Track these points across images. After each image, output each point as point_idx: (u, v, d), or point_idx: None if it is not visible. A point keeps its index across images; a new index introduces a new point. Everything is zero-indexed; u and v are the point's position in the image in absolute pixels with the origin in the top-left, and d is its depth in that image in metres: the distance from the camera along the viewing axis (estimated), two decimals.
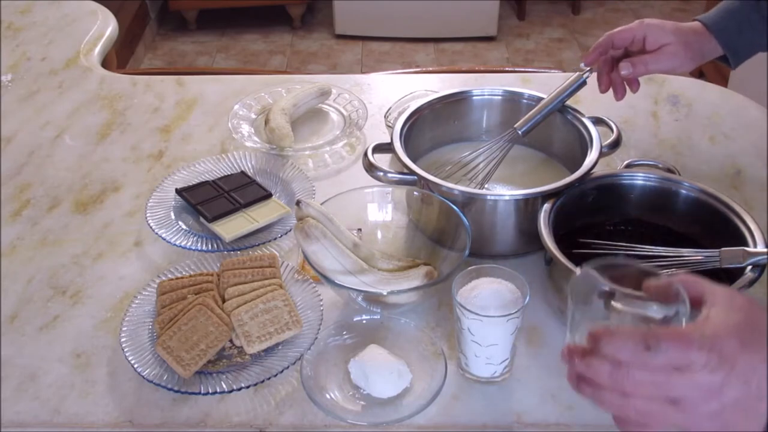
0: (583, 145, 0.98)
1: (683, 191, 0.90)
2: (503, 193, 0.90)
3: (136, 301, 0.87)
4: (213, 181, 1.05)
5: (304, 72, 3.16)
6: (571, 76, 1.03)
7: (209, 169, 1.10)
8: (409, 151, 0.98)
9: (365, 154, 0.97)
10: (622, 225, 0.93)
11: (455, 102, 1.09)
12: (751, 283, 0.76)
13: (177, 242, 0.96)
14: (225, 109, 1.25)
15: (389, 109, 1.19)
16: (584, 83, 1.03)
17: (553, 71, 1.46)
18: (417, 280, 0.87)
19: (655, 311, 0.60)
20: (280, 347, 0.82)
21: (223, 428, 0.76)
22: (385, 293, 0.83)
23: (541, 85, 1.28)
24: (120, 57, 2.87)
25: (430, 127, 1.07)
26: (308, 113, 1.24)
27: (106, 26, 1.56)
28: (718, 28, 0.99)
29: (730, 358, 0.53)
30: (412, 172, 0.94)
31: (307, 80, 1.33)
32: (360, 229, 0.95)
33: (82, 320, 0.89)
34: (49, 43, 1.50)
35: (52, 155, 1.18)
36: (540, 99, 1.04)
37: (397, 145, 0.98)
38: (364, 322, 0.84)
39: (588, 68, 1.04)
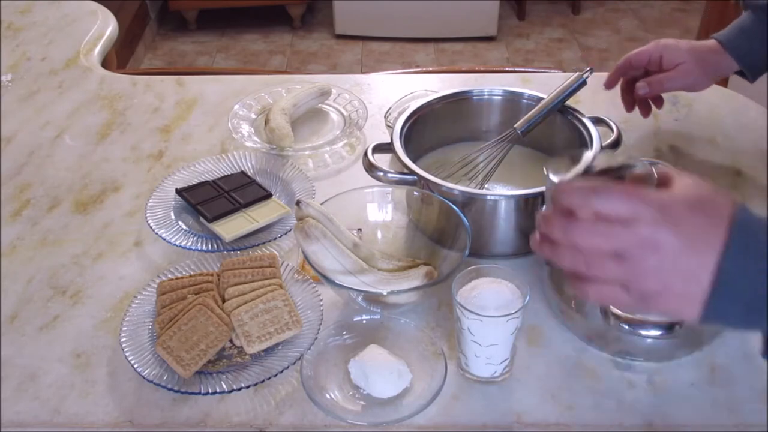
0: (583, 145, 0.98)
1: None
2: (503, 193, 0.90)
3: (136, 301, 0.87)
4: (213, 181, 1.05)
5: (304, 72, 3.17)
6: (571, 76, 1.04)
7: (209, 169, 1.10)
8: (409, 151, 0.98)
9: (365, 154, 0.97)
10: None
11: (455, 102, 1.09)
12: None
13: (177, 242, 0.96)
14: (225, 109, 1.25)
15: (389, 109, 1.19)
16: (584, 83, 1.03)
17: (553, 71, 1.46)
18: (417, 280, 0.87)
19: None
20: (280, 347, 0.82)
21: (223, 428, 0.76)
22: (385, 293, 0.83)
23: (541, 85, 1.28)
24: (120, 57, 2.87)
25: (430, 127, 1.07)
26: (308, 113, 1.24)
27: (106, 26, 1.56)
28: (733, 45, 1.02)
29: (677, 218, 0.54)
30: (412, 172, 0.94)
31: (307, 80, 1.33)
32: (360, 229, 0.95)
33: (82, 320, 0.89)
34: (49, 43, 1.50)
35: (52, 155, 1.18)
36: (540, 99, 1.04)
37: (397, 145, 0.98)
38: (364, 322, 0.84)
39: (588, 68, 1.04)
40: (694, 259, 0.53)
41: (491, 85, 1.11)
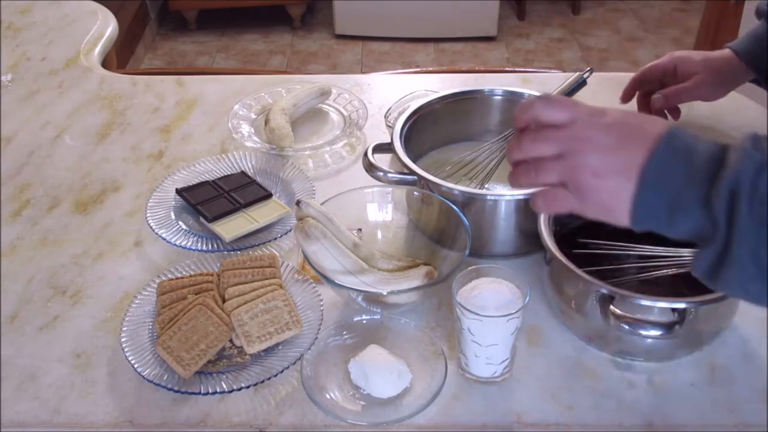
0: None
1: None
2: (503, 193, 0.90)
3: (136, 301, 0.87)
4: (213, 181, 1.05)
5: (304, 72, 3.17)
6: (571, 76, 1.04)
7: (209, 169, 1.10)
8: (409, 151, 0.98)
9: (365, 154, 0.97)
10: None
11: (455, 102, 1.09)
12: None
13: (177, 242, 0.96)
14: (225, 109, 1.25)
15: (389, 109, 1.19)
16: (584, 83, 1.03)
17: (553, 71, 1.46)
18: (417, 280, 0.87)
19: None
20: (280, 347, 0.82)
21: (223, 428, 0.76)
22: (385, 293, 0.83)
23: (541, 85, 1.29)
24: (120, 57, 2.87)
25: (430, 127, 1.07)
26: (308, 113, 1.24)
27: (106, 26, 1.56)
28: (747, 54, 1.03)
29: (611, 119, 0.61)
30: (412, 172, 0.94)
31: (307, 80, 1.33)
32: (360, 229, 0.95)
33: (82, 320, 0.89)
34: (49, 43, 1.50)
35: (52, 155, 1.18)
36: None
37: (397, 145, 0.98)
38: (364, 322, 0.84)
39: (588, 68, 1.05)
40: (625, 154, 0.59)
41: (491, 85, 1.10)
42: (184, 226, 1.00)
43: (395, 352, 0.80)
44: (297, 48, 3.41)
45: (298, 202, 0.87)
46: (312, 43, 3.45)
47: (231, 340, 0.83)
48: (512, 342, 0.77)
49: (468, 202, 0.90)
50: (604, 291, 0.76)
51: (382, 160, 0.98)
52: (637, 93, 1.12)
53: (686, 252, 0.83)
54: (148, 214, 1.00)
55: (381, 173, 0.95)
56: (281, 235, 0.98)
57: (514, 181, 0.67)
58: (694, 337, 0.80)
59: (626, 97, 1.13)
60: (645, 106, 1.11)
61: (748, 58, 1.03)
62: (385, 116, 1.19)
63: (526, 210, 0.91)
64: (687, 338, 0.80)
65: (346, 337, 0.83)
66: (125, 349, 0.81)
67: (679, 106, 1.09)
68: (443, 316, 0.87)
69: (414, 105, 1.06)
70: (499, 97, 1.10)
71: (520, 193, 0.90)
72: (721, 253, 0.57)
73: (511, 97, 1.09)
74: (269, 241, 0.97)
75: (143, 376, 0.78)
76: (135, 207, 1.06)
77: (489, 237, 0.94)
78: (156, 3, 3.52)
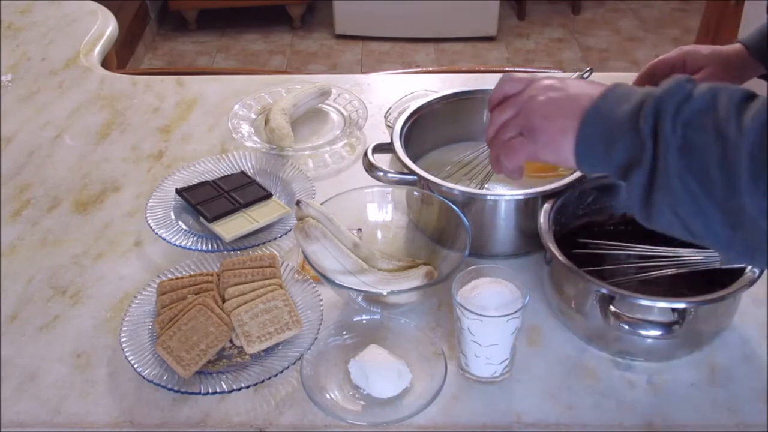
0: None
1: None
2: (503, 193, 0.90)
3: (136, 301, 0.87)
4: (213, 181, 1.05)
5: (304, 72, 3.17)
6: (571, 76, 1.03)
7: (209, 169, 1.10)
8: (409, 151, 0.98)
9: (365, 154, 0.97)
10: (622, 225, 0.93)
11: (455, 102, 1.09)
12: (751, 283, 0.76)
13: (177, 242, 0.96)
14: (225, 109, 1.25)
15: (389, 109, 1.19)
16: None
17: (553, 71, 1.46)
18: (417, 280, 0.87)
19: None
20: (280, 347, 0.82)
21: (223, 428, 0.76)
22: (385, 293, 0.83)
23: None
24: (120, 57, 2.87)
25: (430, 127, 1.07)
26: (308, 113, 1.24)
27: (106, 26, 1.56)
28: (758, 48, 1.02)
29: (561, 81, 0.70)
30: (412, 172, 0.94)
31: (307, 80, 1.33)
32: (360, 229, 0.95)
33: (82, 320, 0.89)
34: (49, 43, 1.50)
35: (52, 155, 1.18)
36: None
37: (397, 145, 0.98)
38: (364, 322, 0.84)
39: (588, 68, 1.04)
40: (571, 101, 0.67)
41: (491, 85, 1.10)
42: (184, 226, 1.00)
43: (395, 352, 0.80)
44: (297, 48, 3.41)
45: (298, 202, 0.87)
46: (312, 43, 3.45)
47: (231, 340, 0.83)
48: (512, 342, 0.77)
49: (468, 202, 0.90)
50: (604, 291, 0.76)
51: (382, 160, 0.98)
52: (646, 87, 1.12)
53: (686, 252, 0.83)
54: (148, 214, 1.00)
55: (381, 173, 0.95)
56: (281, 235, 0.98)
57: (494, 163, 0.76)
58: (694, 337, 0.80)
59: None
60: None
61: (759, 53, 1.02)
62: (385, 116, 1.19)
63: (526, 210, 0.91)
64: (687, 338, 0.80)
65: (346, 337, 0.83)
66: (125, 349, 0.81)
67: None
68: (443, 316, 0.87)
69: (414, 105, 1.06)
70: None
71: (520, 193, 0.90)
72: (649, 173, 0.61)
73: None
74: (269, 241, 0.97)
75: (143, 376, 0.78)
76: (135, 207, 1.06)
77: (489, 237, 0.94)
78: (156, 3, 3.52)
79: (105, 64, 1.48)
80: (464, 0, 3.30)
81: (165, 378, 0.78)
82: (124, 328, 0.83)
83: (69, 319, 0.89)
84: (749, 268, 0.78)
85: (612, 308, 0.75)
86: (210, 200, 1.01)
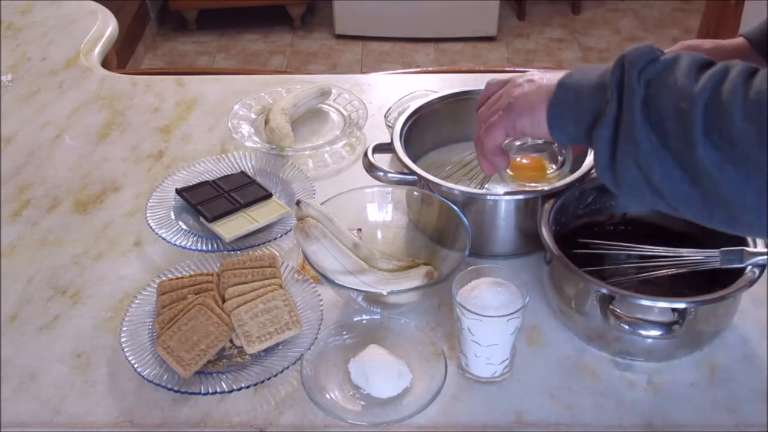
0: None
1: None
2: (503, 193, 0.90)
3: (136, 301, 0.87)
4: (213, 181, 1.05)
5: (304, 72, 3.17)
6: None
7: (209, 169, 1.10)
8: (409, 151, 0.98)
9: (365, 154, 0.97)
10: (622, 225, 0.93)
11: (455, 102, 1.09)
12: (751, 283, 0.76)
13: (177, 242, 0.96)
14: (225, 109, 1.25)
15: (389, 109, 1.19)
16: None
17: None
18: (417, 280, 0.87)
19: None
20: (280, 347, 0.82)
21: (223, 428, 0.76)
22: (385, 293, 0.83)
23: None
24: (120, 57, 2.87)
25: (430, 127, 1.07)
26: (308, 113, 1.24)
27: (106, 26, 1.56)
28: (759, 42, 1.02)
29: (543, 74, 0.76)
30: (412, 172, 0.94)
31: (307, 80, 1.33)
32: (360, 229, 0.95)
33: (82, 320, 0.89)
34: (49, 43, 1.50)
35: (52, 155, 1.18)
36: None
37: (397, 145, 0.98)
38: (364, 322, 0.84)
39: None
40: (547, 81, 0.73)
41: None
42: (184, 226, 1.00)
43: (395, 352, 0.80)
44: (297, 48, 3.41)
45: (298, 202, 0.87)
46: (312, 43, 3.45)
47: (231, 340, 0.83)
48: (512, 342, 0.77)
49: (468, 202, 0.90)
50: (604, 291, 0.76)
51: (382, 160, 0.98)
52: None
53: (686, 252, 0.83)
54: (148, 214, 1.00)
55: (381, 173, 0.95)
56: (281, 235, 0.98)
57: (479, 153, 0.84)
58: (694, 337, 0.80)
59: None
60: None
61: (762, 46, 1.02)
62: (385, 116, 1.19)
63: (526, 210, 0.91)
64: (687, 338, 0.80)
65: (346, 337, 0.83)
66: (125, 349, 0.81)
67: None
68: (443, 316, 0.87)
69: (414, 105, 1.06)
70: None
71: (520, 193, 0.90)
72: (614, 124, 0.65)
73: None
74: (269, 241, 0.97)
75: (143, 376, 0.78)
76: (135, 207, 1.06)
77: (489, 237, 0.94)
78: (156, 3, 3.52)
79: (105, 64, 1.48)
80: (464, 0, 3.30)
81: (165, 378, 0.78)
82: (124, 328, 0.83)
83: (69, 319, 0.89)
84: (749, 268, 0.78)
85: (612, 308, 0.75)
86: (210, 200, 1.01)
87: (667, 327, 0.74)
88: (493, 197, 0.92)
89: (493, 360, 0.77)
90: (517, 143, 0.87)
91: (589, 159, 0.93)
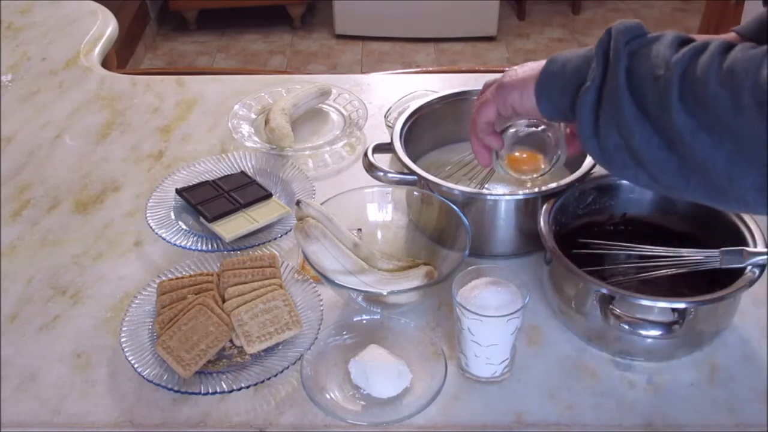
0: None
1: None
2: (503, 193, 0.90)
3: (136, 301, 0.87)
4: (213, 181, 1.05)
5: (304, 72, 3.17)
6: None
7: (209, 169, 1.10)
8: (409, 151, 0.98)
9: (365, 154, 0.97)
10: (622, 225, 0.93)
11: (455, 102, 1.09)
12: (751, 283, 0.76)
13: (177, 242, 0.96)
14: (225, 109, 1.25)
15: (389, 109, 1.19)
16: None
17: None
18: (417, 280, 0.87)
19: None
20: (280, 347, 0.82)
21: (223, 428, 0.76)
22: (385, 293, 0.83)
23: None
24: (120, 57, 2.87)
25: (430, 127, 1.07)
26: (308, 113, 1.24)
27: (106, 26, 1.56)
28: (749, 37, 1.02)
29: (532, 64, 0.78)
30: (412, 172, 0.94)
31: (307, 80, 1.33)
32: (360, 229, 0.95)
33: (82, 320, 0.89)
34: (49, 43, 1.50)
35: (52, 155, 1.18)
36: None
37: (397, 145, 0.98)
38: (364, 322, 0.84)
39: None
40: (536, 65, 0.76)
41: None
42: (184, 226, 1.00)
43: (395, 352, 0.80)
44: (297, 48, 3.41)
45: (298, 202, 0.87)
46: (312, 43, 3.44)
47: (231, 340, 0.83)
48: (512, 342, 0.77)
49: (468, 202, 0.90)
50: (604, 291, 0.76)
51: (382, 160, 0.98)
52: None
53: (686, 252, 0.83)
54: (148, 214, 1.00)
55: (381, 173, 0.95)
56: (281, 235, 0.98)
57: (472, 140, 0.85)
58: (694, 337, 0.80)
59: None
60: None
61: (750, 39, 1.02)
62: (385, 116, 1.19)
63: (526, 210, 0.91)
64: (687, 338, 0.80)
65: (346, 337, 0.83)
66: (125, 349, 0.81)
67: None
68: (443, 316, 0.87)
69: (414, 105, 1.06)
70: None
71: (520, 193, 0.90)
72: (598, 90, 0.67)
73: None
74: (269, 241, 0.97)
75: (143, 376, 0.78)
76: (135, 207, 1.06)
77: (489, 237, 0.94)
78: (156, 3, 3.52)
79: (105, 64, 1.48)
80: (464, 0, 3.30)
81: (165, 378, 0.78)
82: (124, 328, 0.83)
83: (69, 319, 0.89)
84: (749, 268, 0.78)
85: (612, 308, 0.75)
86: (210, 200, 1.01)
87: (667, 327, 0.74)
88: (493, 197, 0.92)
89: (493, 360, 0.77)
90: (512, 131, 0.85)
91: (590, 159, 0.93)
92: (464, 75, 1.39)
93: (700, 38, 0.70)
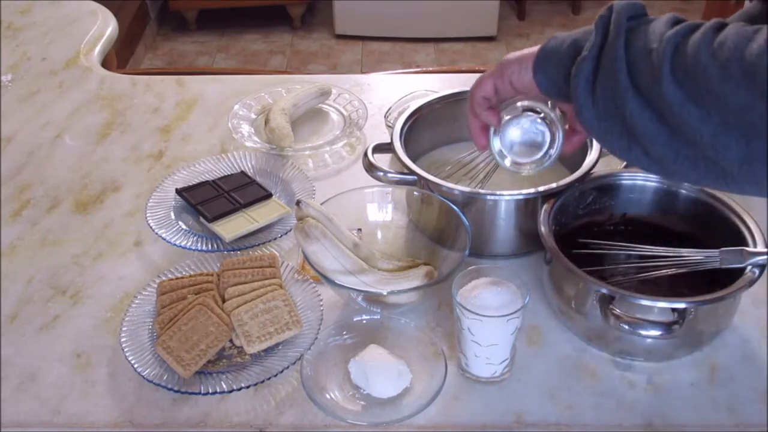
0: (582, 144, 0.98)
1: (683, 191, 0.90)
2: (503, 193, 0.90)
3: (136, 301, 0.87)
4: (213, 181, 1.05)
5: (304, 72, 3.17)
6: None
7: (209, 169, 1.10)
8: (409, 151, 0.98)
9: (365, 154, 0.97)
10: (622, 225, 0.93)
11: (455, 102, 1.09)
12: (751, 283, 0.76)
13: (177, 242, 0.96)
14: (225, 109, 1.25)
15: (389, 109, 1.19)
16: None
17: None
18: (417, 280, 0.87)
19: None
20: (280, 347, 0.82)
21: (223, 428, 0.76)
22: (385, 293, 0.83)
23: None
24: (120, 57, 2.87)
25: (430, 127, 1.07)
26: (308, 113, 1.24)
27: (106, 26, 1.56)
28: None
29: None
30: (412, 172, 0.94)
31: (307, 80, 1.33)
32: (360, 229, 0.95)
33: (82, 320, 0.89)
34: (49, 43, 1.50)
35: (52, 155, 1.18)
36: None
37: (397, 145, 0.98)
38: (364, 322, 0.84)
39: None
40: (535, 47, 0.76)
41: None
42: (184, 226, 1.00)
43: (395, 352, 0.80)
44: (297, 48, 3.41)
45: (298, 202, 0.87)
46: (312, 43, 3.44)
47: (231, 340, 0.83)
48: (512, 342, 0.77)
49: (468, 202, 0.90)
50: (604, 291, 0.76)
51: (382, 160, 0.98)
52: None
53: (686, 252, 0.83)
54: (148, 214, 1.00)
55: (381, 173, 0.95)
56: (281, 235, 0.98)
57: (470, 118, 0.85)
58: (694, 337, 0.80)
59: None
60: None
61: None
62: (385, 116, 1.19)
63: (526, 210, 0.91)
64: (687, 338, 0.80)
65: (346, 337, 0.83)
66: (125, 349, 0.81)
67: None
68: (443, 316, 0.87)
69: (414, 105, 1.06)
70: None
71: (520, 193, 0.90)
72: (595, 60, 0.68)
73: None
74: (269, 241, 0.97)
75: (143, 376, 0.78)
76: (135, 207, 1.06)
77: (489, 237, 0.94)
78: (156, 3, 3.52)
79: (105, 64, 1.48)
80: (464, 0, 3.30)
81: (165, 378, 0.78)
82: (124, 328, 0.83)
83: (69, 319, 0.89)
84: (749, 268, 0.78)
85: (612, 308, 0.75)
86: (210, 200, 1.01)
87: (667, 327, 0.74)
88: (493, 197, 0.92)
89: (493, 360, 0.77)
90: (507, 118, 0.82)
91: (590, 159, 0.93)
92: (464, 75, 1.39)
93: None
